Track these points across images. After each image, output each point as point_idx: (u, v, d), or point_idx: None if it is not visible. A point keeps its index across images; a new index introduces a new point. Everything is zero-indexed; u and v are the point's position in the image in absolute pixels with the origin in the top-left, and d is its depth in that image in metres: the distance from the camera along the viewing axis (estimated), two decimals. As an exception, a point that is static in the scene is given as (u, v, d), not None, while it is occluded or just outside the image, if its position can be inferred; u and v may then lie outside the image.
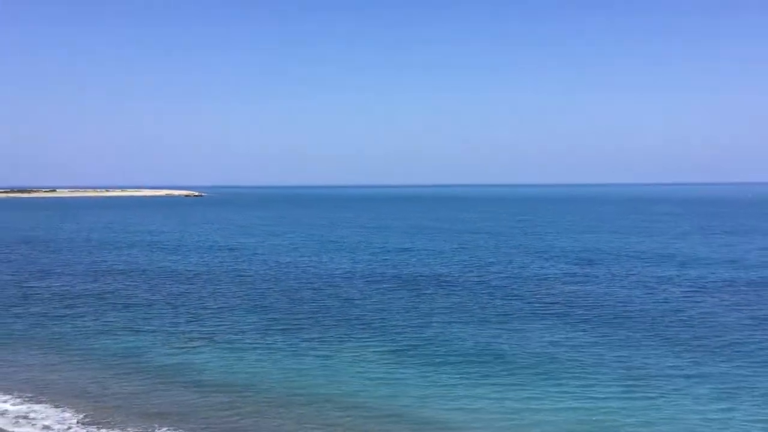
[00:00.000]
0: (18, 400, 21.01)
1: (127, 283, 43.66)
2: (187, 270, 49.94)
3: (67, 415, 19.68)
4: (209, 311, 34.18)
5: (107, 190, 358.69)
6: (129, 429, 18.66)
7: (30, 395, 21.43)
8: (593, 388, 21.53)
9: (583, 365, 24.01)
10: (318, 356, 25.43)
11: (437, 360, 24.82)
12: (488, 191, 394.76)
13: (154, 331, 29.86)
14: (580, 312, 32.98)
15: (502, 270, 47.82)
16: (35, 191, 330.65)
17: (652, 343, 26.96)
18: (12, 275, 48.25)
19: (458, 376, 22.94)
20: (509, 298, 36.96)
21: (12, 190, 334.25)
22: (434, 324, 30.61)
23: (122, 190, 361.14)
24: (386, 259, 55.33)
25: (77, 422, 19.14)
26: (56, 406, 20.34)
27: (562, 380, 22.36)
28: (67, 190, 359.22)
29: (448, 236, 76.89)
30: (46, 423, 19.14)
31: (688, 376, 22.63)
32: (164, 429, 18.56)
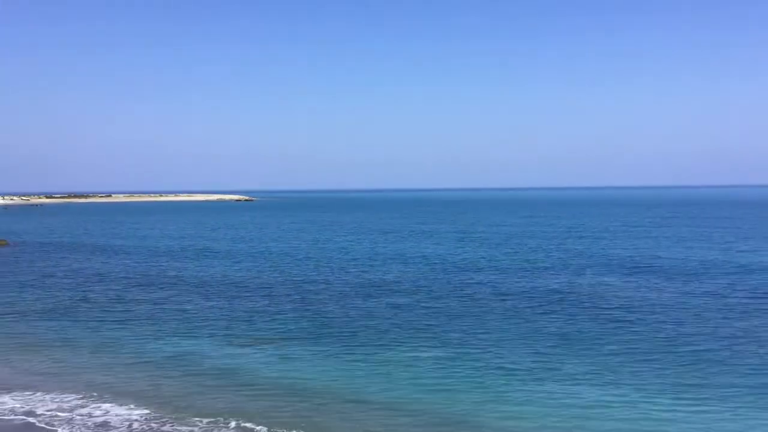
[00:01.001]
0: (82, 399, 21.57)
1: (181, 288, 44.50)
2: (240, 274, 50.63)
3: (127, 413, 20.12)
4: (262, 315, 34.55)
5: (161, 195, 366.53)
6: (186, 428, 19.00)
7: (93, 395, 21.96)
8: (653, 400, 20.98)
9: (641, 375, 23.44)
10: (370, 361, 25.43)
11: (491, 366, 24.56)
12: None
13: (207, 335, 30.33)
14: (640, 320, 32.18)
15: (558, 276, 47.08)
16: (92, 196, 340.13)
17: (723, 355, 26.18)
18: (70, 279, 49.66)
19: (513, 382, 22.65)
20: (565, 304, 36.35)
21: (69, 196, 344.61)
22: (488, 330, 30.31)
23: (175, 195, 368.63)
24: (437, 263, 55.09)
25: (140, 420, 19.56)
26: (119, 405, 20.81)
27: (621, 389, 21.86)
28: (122, 195, 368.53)
29: (499, 240, 76.13)
30: (109, 421, 19.60)
31: (742, 391, 21.88)
32: (220, 428, 18.85)
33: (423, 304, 36.69)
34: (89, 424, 19.53)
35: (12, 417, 20.15)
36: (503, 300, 37.67)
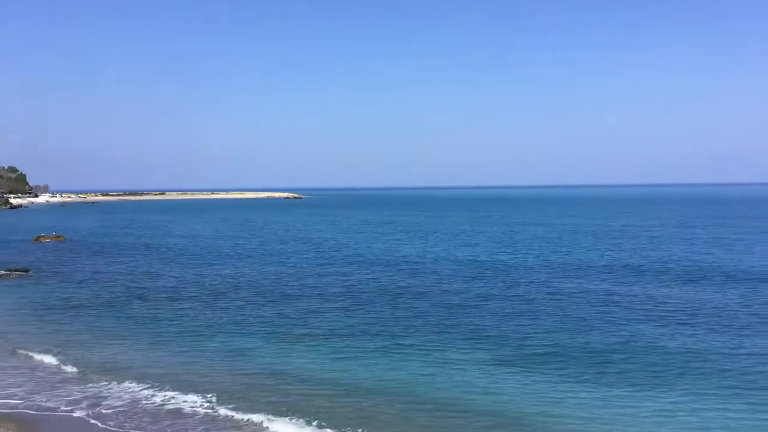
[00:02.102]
0: (140, 392, 22.10)
1: (233, 284, 45.13)
2: (291, 271, 51.10)
3: (185, 407, 20.54)
4: (314, 312, 34.78)
5: (212, 193, 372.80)
6: (243, 421, 19.28)
7: (150, 388, 22.43)
8: (719, 404, 20.36)
9: (702, 375, 22.79)
10: (422, 361, 25.37)
11: (544, 368, 24.20)
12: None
13: (260, 331, 30.68)
14: (703, 321, 31.31)
15: (613, 274, 46.19)
16: (146, 194, 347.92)
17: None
18: (124, 275, 50.84)
19: (563, 386, 22.28)
20: (621, 304, 35.61)
21: (125, 194, 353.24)
22: (541, 331, 29.90)
23: (226, 193, 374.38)
24: (488, 261, 54.64)
25: (198, 414, 19.96)
26: (175, 399, 21.24)
27: (677, 391, 21.30)
28: (175, 193, 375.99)
29: (551, 239, 75.05)
30: (167, 414, 20.04)
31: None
32: (274, 424, 19.06)
33: (474, 304, 36.42)
34: (151, 416, 19.99)
35: (77, 407, 20.69)
36: (557, 301, 37.11)
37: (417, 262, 55.52)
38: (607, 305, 35.43)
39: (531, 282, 43.90)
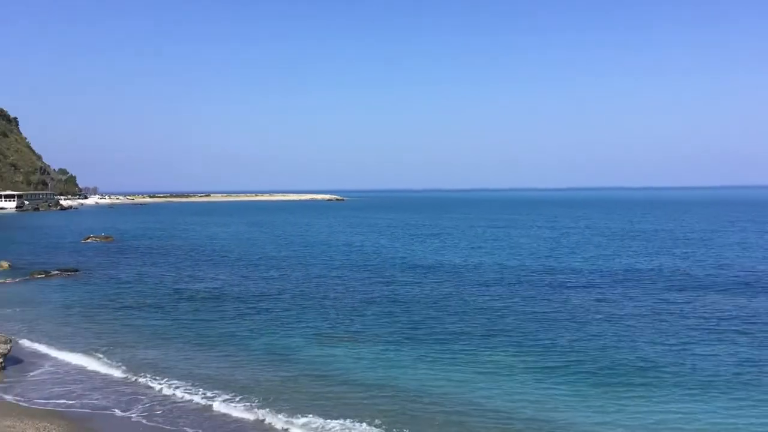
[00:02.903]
0: (186, 392, 22.24)
1: (277, 285, 45.37)
2: (335, 272, 51.18)
3: (233, 407, 20.62)
4: (359, 313, 34.69)
5: (256, 195, 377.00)
6: (293, 422, 19.29)
7: (195, 387, 22.54)
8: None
9: (760, 387, 21.98)
10: (467, 366, 25.02)
11: (593, 378, 23.65)
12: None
13: (304, 333, 30.68)
14: (763, 329, 30.26)
15: (665, 280, 45.09)
16: (192, 196, 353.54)
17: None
18: (169, 275, 51.54)
19: (611, 395, 21.71)
20: (673, 312, 34.68)
21: (171, 195, 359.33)
22: (587, 338, 29.26)
23: (270, 195, 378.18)
24: (534, 265, 53.93)
25: (244, 415, 20.03)
26: (221, 398, 21.30)
27: (734, 404, 20.58)
28: (219, 195, 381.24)
29: (598, 242, 73.74)
30: (214, 413, 20.15)
31: None
32: (321, 425, 19.03)
33: (520, 309, 35.88)
34: (201, 417, 20.13)
35: (126, 406, 20.95)
36: (606, 307, 36.33)
37: (461, 265, 55.04)
38: (660, 313, 34.48)
39: (579, 287, 43.11)
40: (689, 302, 36.83)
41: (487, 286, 43.87)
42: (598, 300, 38.00)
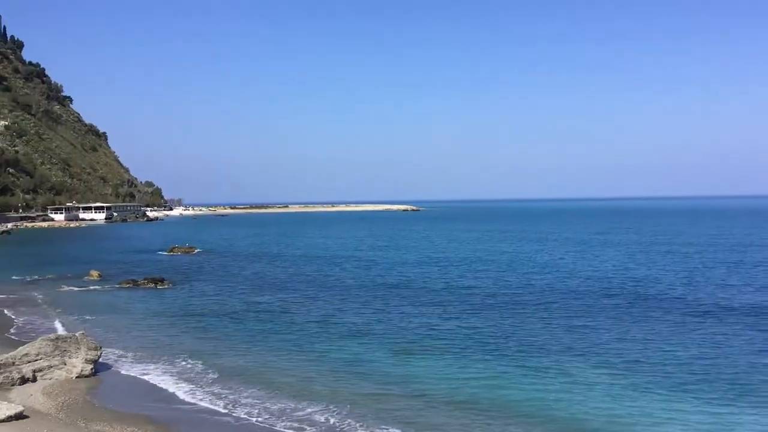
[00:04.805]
0: (264, 400, 22.49)
1: (352, 294, 45.59)
2: (410, 283, 51.12)
3: (311, 416, 20.72)
4: (434, 324, 34.42)
5: (333, 206, 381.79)
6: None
7: (273, 396, 22.79)
8: None
9: None
10: (545, 382, 24.33)
11: (683, 395, 22.64)
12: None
13: (380, 342, 30.62)
14: None
15: (739, 290, 42.94)
16: (271, 207, 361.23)
17: None
18: (249, 285, 52.59)
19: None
20: (743, 322, 32.96)
21: (251, 206, 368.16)
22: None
23: (346, 206, 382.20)
24: (617, 276, 52.36)
25: (322, 422, 20.09)
26: (298, 407, 21.44)
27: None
28: (297, 205, 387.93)
29: (687, 253, 70.98)
30: (295, 422, 20.26)
31: None
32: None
33: (603, 322, 34.80)
34: (284, 423, 20.29)
35: (210, 411, 21.38)
36: (698, 320, 34.83)
37: (542, 275, 54.00)
38: (752, 328, 32.85)
39: (670, 299, 41.51)
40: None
41: (570, 297, 42.76)
42: (687, 314, 36.43)
